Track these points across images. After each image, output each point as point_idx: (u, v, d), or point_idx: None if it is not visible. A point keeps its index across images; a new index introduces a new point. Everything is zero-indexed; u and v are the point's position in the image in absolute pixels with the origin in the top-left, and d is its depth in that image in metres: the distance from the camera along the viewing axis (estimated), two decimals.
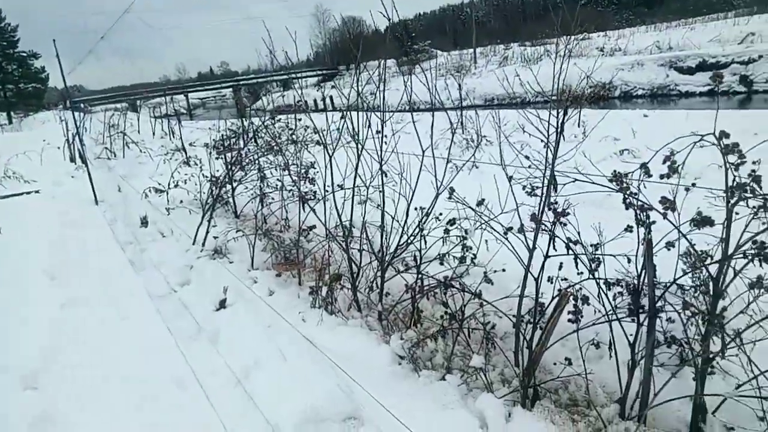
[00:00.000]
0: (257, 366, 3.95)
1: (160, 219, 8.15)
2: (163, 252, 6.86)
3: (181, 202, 8.22)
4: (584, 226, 3.72)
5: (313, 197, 5.73)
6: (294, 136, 6.75)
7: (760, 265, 2.87)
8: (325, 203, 5.25)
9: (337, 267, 5.21)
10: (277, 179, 6.73)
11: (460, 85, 10.74)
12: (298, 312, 4.73)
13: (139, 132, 20.52)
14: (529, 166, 3.88)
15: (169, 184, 8.72)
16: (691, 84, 22.96)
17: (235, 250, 6.40)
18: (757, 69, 21.75)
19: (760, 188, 2.89)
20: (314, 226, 5.40)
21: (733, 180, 2.79)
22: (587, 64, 26.39)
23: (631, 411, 3.28)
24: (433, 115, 4.78)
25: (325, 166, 5.16)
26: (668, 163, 2.74)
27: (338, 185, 5.04)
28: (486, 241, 4.60)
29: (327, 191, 5.17)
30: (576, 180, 3.80)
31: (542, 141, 3.75)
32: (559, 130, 3.62)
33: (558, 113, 3.69)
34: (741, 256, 2.97)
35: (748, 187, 2.91)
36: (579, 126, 11.61)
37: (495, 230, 4.03)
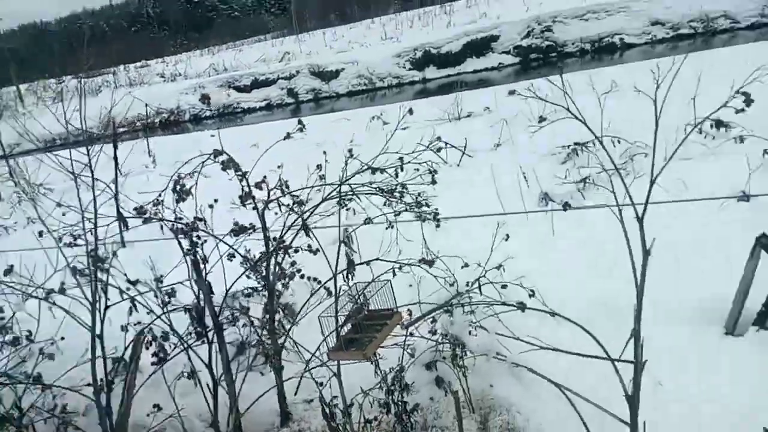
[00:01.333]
0: None
1: None
2: None
3: None
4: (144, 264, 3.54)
5: None
6: None
7: (288, 255, 3.28)
8: None
9: None
10: None
11: None
12: None
13: None
14: (64, 214, 3.41)
15: None
16: (250, 101, 25.50)
17: None
18: (298, 82, 25.77)
19: (281, 192, 3.26)
20: None
21: (242, 188, 3.04)
22: (152, 91, 26.20)
23: (228, 428, 3.31)
24: None
25: None
26: (178, 187, 2.77)
27: None
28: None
29: None
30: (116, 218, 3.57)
31: (83, 181, 3.32)
32: (94, 168, 3.26)
33: (88, 150, 3.35)
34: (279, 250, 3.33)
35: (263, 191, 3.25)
36: (149, 155, 11.31)
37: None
